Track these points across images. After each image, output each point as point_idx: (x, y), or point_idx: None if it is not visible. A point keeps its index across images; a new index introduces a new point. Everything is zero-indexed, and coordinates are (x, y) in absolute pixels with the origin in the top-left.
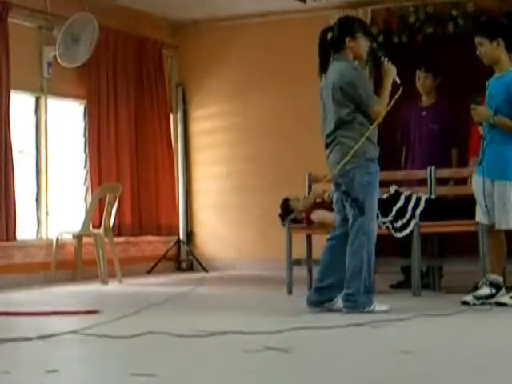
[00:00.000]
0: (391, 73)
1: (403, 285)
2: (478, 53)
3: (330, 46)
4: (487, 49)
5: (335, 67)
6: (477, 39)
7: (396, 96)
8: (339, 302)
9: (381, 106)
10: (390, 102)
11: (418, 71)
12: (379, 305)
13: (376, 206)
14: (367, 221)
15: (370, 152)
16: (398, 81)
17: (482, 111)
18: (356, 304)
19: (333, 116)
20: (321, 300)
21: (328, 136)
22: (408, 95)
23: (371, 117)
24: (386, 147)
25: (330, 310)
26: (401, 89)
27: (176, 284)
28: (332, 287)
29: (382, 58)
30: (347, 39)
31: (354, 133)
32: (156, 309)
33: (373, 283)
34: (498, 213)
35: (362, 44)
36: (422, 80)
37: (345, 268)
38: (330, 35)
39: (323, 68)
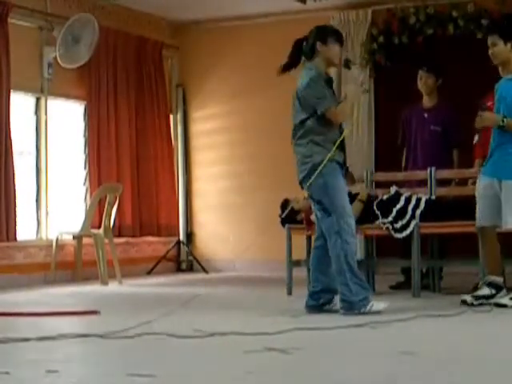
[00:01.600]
0: (349, 99)
1: (403, 286)
2: (490, 52)
3: (304, 54)
4: (500, 49)
5: (302, 74)
6: (491, 39)
7: (341, 137)
8: (338, 302)
9: (337, 109)
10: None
11: (420, 71)
12: (377, 303)
13: (343, 203)
14: (335, 220)
15: (319, 155)
16: (366, 86)
17: (489, 117)
18: (351, 305)
19: (293, 123)
20: (318, 304)
21: (291, 143)
22: (409, 97)
23: (325, 120)
24: (386, 149)
25: (331, 311)
26: (344, 131)
27: (176, 285)
28: (325, 291)
29: (347, 86)
30: (318, 44)
31: (303, 139)
32: (156, 309)
33: (362, 279)
34: (506, 212)
35: (333, 49)
36: (424, 80)
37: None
38: (304, 44)
39: (286, 67)
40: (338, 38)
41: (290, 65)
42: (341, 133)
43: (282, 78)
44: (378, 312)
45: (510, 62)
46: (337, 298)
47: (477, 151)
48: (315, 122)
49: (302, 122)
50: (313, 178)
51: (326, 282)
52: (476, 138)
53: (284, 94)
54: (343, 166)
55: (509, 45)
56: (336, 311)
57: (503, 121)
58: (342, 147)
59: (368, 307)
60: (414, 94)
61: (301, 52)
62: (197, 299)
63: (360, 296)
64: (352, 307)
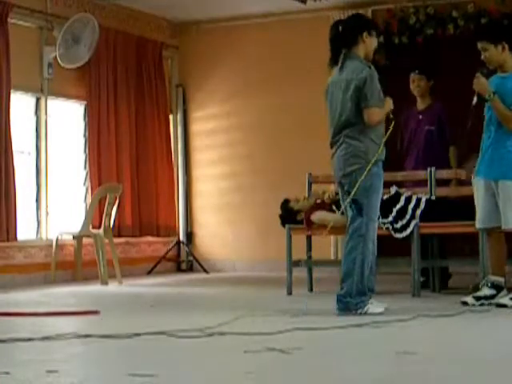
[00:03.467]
0: (388, 106)
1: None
2: (482, 58)
3: (341, 40)
4: (492, 53)
5: (349, 65)
6: (480, 44)
7: (390, 130)
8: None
9: (378, 111)
10: (385, 134)
11: (411, 74)
12: (374, 306)
13: (377, 208)
14: (364, 223)
15: (374, 154)
16: (392, 115)
17: (484, 82)
18: (347, 305)
19: (341, 115)
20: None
21: (334, 135)
22: (409, 97)
23: (365, 118)
24: (386, 149)
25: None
26: (393, 123)
27: (176, 285)
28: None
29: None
30: (365, 34)
31: (360, 134)
32: (156, 309)
33: (366, 285)
34: (505, 212)
35: (374, 43)
36: (417, 82)
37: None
38: (340, 28)
39: (334, 61)
40: (375, 29)
41: (337, 56)
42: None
43: (282, 78)
44: (374, 314)
45: (505, 62)
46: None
47: None
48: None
49: (358, 115)
50: (362, 176)
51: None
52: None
53: (284, 93)
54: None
55: (499, 47)
56: (365, 314)
57: (491, 95)
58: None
59: (365, 309)
60: (410, 99)
61: (339, 40)
62: (195, 298)
63: (358, 299)
64: (348, 307)
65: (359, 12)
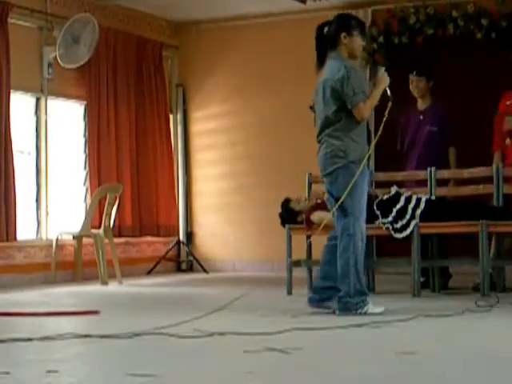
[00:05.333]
0: (384, 83)
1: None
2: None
3: (326, 42)
4: None
5: (328, 65)
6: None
7: (388, 108)
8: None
9: (366, 106)
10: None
11: (410, 75)
12: (373, 307)
13: (362, 207)
14: (351, 222)
15: (354, 153)
16: (389, 93)
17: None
18: (347, 306)
19: (322, 114)
20: (320, 298)
21: (318, 134)
22: (409, 97)
23: (355, 116)
24: (386, 149)
25: (326, 308)
26: (390, 102)
27: (176, 285)
28: (332, 288)
29: (379, 69)
30: (342, 34)
31: (340, 133)
32: (156, 309)
33: (364, 284)
34: None
35: (357, 42)
36: (415, 83)
37: None
38: (325, 30)
39: (320, 63)
40: (362, 29)
41: (322, 59)
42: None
43: (282, 78)
44: (373, 314)
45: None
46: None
47: (496, 143)
48: (351, 116)
49: (336, 113)
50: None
51: (334, 280)
52: (507, 141)
53: (284, 93)
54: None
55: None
56: (331, 309)
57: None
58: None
59: (365, 309)
60: (410, 98)
61: (325, 42)
62: (194, 298)
63: (357, 299)
64: (348, 308)
65: (344, 12)
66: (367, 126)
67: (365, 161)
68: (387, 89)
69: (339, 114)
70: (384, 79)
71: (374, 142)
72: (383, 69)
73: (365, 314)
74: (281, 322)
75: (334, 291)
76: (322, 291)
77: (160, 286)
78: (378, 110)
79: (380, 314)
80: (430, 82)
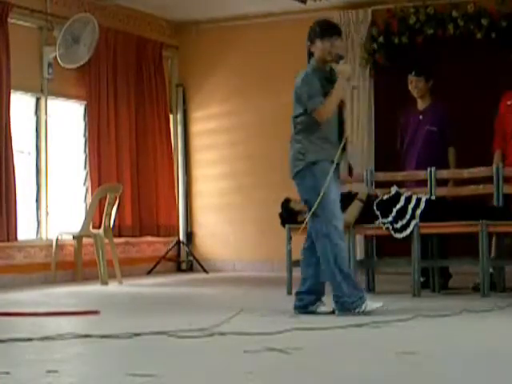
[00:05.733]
0: (343, 75)
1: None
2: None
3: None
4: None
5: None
6: None
7: (343, 141)
8: (322, 305)
9: (323, 108)
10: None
11: (409, 75)
12: (372, 303)
13: (331, 208)
14: (323, 223)
15: (313, 155)
16: (353, 83)
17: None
18: (345, 305)
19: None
20: (302, 305)
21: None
22: (409, 97)
23: (316, 118)
24: (386, 149)
25: (314, 313)
26: (346, 137)
27: (176, 285)
28: (309, 292)
29: (335, 64)
30: (308, 45)
31: (301, 136)
32: (156, 309)
33: (354, 279)
34: None
35: (319, 47)
36: (415, 84)
37: (319, 272)
38: None
39: None
40: (325, 33)
41: None
42: (340, 131)
43: (282, 78)
44: (372, 311)
45: None
46: (323, 300)
47: (496, 142)
48: (310, 119)
49: (297, 117)
50: (307, 177)
51: (311, 284)
52: None
53: (284, 93)
54: (338, 164)
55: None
56: (321, 313)
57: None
58: (338, 144)
59: (363, 307)
60: (410, 99)
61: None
62: (194, 298)
63: (353, 297)
64: (346, 307)
65: (317, 19)
66: (342, 127)
67: (336, 161)
68: (351, 80)
69: (301, 117)
70: (343, 71)
71: (341, 145)
72: (342, 61)
73: (364, 311)
74: (281, 322)
75: (313, 295)
76: (302, 297)
77: (160, 285)
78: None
79: (380, 308)
80: (428, 82)
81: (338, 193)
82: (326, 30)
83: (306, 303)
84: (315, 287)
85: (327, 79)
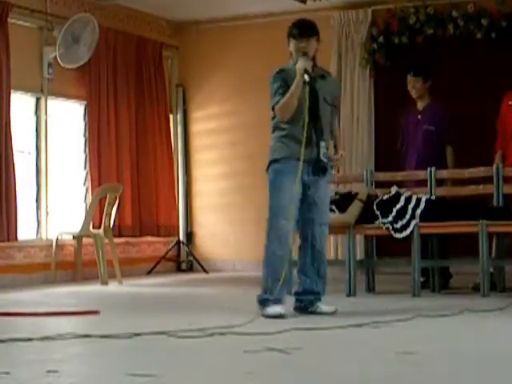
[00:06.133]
0: (299, 71)
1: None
2: None
3: None
4: None
5: None
6: None
7: (304, 136)
8: (323, 305)
9: (279, 106)
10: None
11: (408, 76)
12: (272, 308)
13: (280, 206)
14: (269, 218)
15: (277, 152)
16: (307, 78)
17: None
18: (258, 302)
19: None
20: (301, 306)
21: None
22: (409, 97)
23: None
24: (386, 149)
25: (315, 313)
26: (307, 87)
27: (176, 285)
28: (306, 292)
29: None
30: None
31: (273, 134)
32: (156, 309)
33: (270, 285)
34: None
35: (292, 47)
36: (413, 84)
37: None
38: None
39: None
40: (297, 33)
41: None
42: (318, 127)
43: None
44: (269, 316)
45: None
46: (321, 301)
47: (498, 142)
48: (276, 118)
49: (272, 117)
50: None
51: (306, 282)
52: None
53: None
54: (312, 162)
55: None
56: (322, 313)
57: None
58: (308, 143)
59: (265, 309)
60: (410, 99)
61: None
62: (194, 299)
63: (261, 296)
64: (259, 303)
65: (297, 19)
66: (331, 128)
67: (301, 159)
68: (305, 76)
69: (272, 117)
70: (298, 68)
71: (303, 147)
72: (304, 58)
73: (263, 314)
74: (281, 322)
75: (311, 294)
76: (300, 298)
77: (160, 286)
78: None
79: (277, 316)
80: (427, 82)
81: (291, 191)
82: (299, 30)
83: (306, 304)
84: (310, 287)
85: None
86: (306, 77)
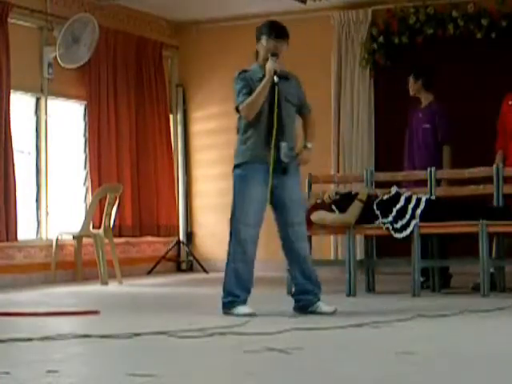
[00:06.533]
0: (268, 72)
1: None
2: None
3: None
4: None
5: None
6: None
7: (274, 137)
8: (323, 305)
9: (244, 105)
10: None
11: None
12: (243, 307)
13: (243, 211)
14: (231, 224)
15: (239, 157)
16: (276, 79)
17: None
18: (222, 304)
19: None
20: (299, 306)
21: None
22: (409, 97)
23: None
24: (386, 149)
25: (315, 313)
26: (276, 88)
27: (176, 285)
28: (302, 292)
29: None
30: (256, 43)
31: (238, 135)
32: (156, 309)
33: (232, 287)
34: None
35: (263, 45)
36: (409, 83)
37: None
38: None
39: None
40: (271, 33)
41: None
42: (269, 128)
43: None
44: (241, 315)
45: None
46: (321, 301)
47: (499, 142)
48: (241, 119)
49: (238, 118)
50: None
51: (297, 283)
52: None
53: None
54: (274, 163)
55: None
56: (322, 313)
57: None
58: (270, 144)
59: (232, 310)
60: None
61: None
62: (194, 299)
63: (226, 298)
64: (223, 306)
65: (271, 19)
66: (305, 127)
67: (270, 163)
68: (275, 77)
69: (238, 117)
70: (268, 69)
71: (272, 148)
72: (273, 58)
73: (234, 314)
74: (281, 322)
75: (308, 294)
76: (299, 298)
77: (160, 286)
78: None
79: (248, 315)
80: (417, 80)
81: (254, 196)
82: (274, 30)
83: (304, 303)
84: (304, 287)
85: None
86: (276, 78)
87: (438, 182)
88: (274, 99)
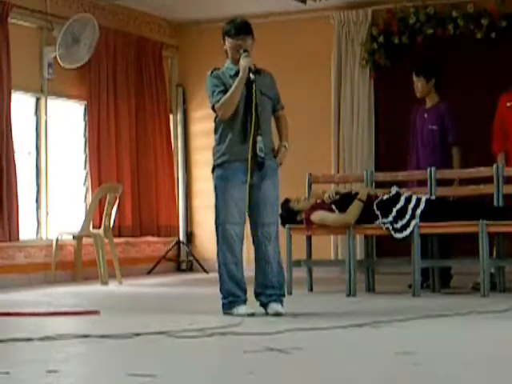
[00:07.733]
0: (243, 70)
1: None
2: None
3: None
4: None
5: None
6: None
7: (251, 134)
8: (273, 304)
9: (220, 104)
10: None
11: (413, 75)
12: (244, 307)
13: (226, 210)
14: (216, 225)
15: (218, 157)
16: (252, 76)
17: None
18: (222, 305)
19: None
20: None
21: None
22: (409, 97)
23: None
24: (386, 149)
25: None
26: (253, 85)
27: (176, 285)
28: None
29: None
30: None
31: (216, 135)
32: (156, 309)
33: (229, 287)
34: None
35: (227, 45)
36: (416, 84)
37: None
38: None
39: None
40: (231, 31)
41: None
42: (244, 125)
43: (282, 78)
44: (239, 315)
45: None
46: (273, 303)
47: (496, 144)
48: (218, 119)
49: (214, 118)
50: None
51: (260, 282)
52: None
53: (283, 93)
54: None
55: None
56: (274, 314)
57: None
58: (246, 139)
59: (233, 310)
60: (414, 95)
61: None
62: (194, 299)
63: (224, 300)
64: (223, 307)
65: (233, 18)
66: (278, 125)
67: (247, 164)
68: (250, 74)
69: (215, 117)
70: (243, 66)
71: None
72: (244, 54)
73: (235, 314)
74: (281, 322)
75: (260, 296)
76: (257, 298)
77: (160, 285)
78: None
79: (246, 315)
80: (429, 81)
81: (236, 195)
82: (232, 28)
83: (262, 303)
84: (260, 288)
85: (234, 77)
86: (252, 75)
87: (445, 183)
88: (250, 96)
